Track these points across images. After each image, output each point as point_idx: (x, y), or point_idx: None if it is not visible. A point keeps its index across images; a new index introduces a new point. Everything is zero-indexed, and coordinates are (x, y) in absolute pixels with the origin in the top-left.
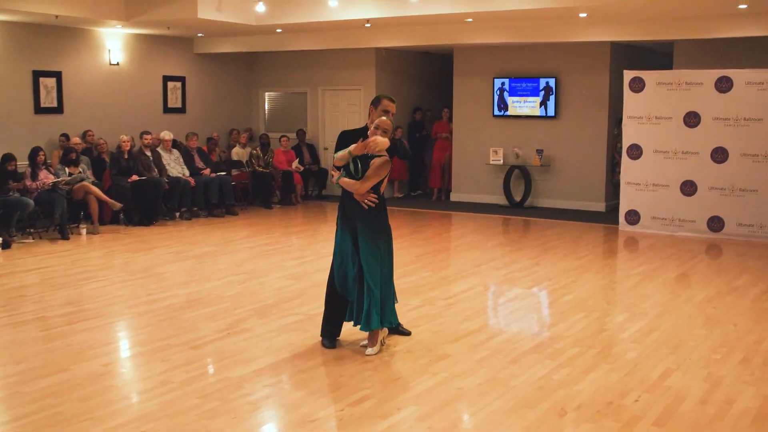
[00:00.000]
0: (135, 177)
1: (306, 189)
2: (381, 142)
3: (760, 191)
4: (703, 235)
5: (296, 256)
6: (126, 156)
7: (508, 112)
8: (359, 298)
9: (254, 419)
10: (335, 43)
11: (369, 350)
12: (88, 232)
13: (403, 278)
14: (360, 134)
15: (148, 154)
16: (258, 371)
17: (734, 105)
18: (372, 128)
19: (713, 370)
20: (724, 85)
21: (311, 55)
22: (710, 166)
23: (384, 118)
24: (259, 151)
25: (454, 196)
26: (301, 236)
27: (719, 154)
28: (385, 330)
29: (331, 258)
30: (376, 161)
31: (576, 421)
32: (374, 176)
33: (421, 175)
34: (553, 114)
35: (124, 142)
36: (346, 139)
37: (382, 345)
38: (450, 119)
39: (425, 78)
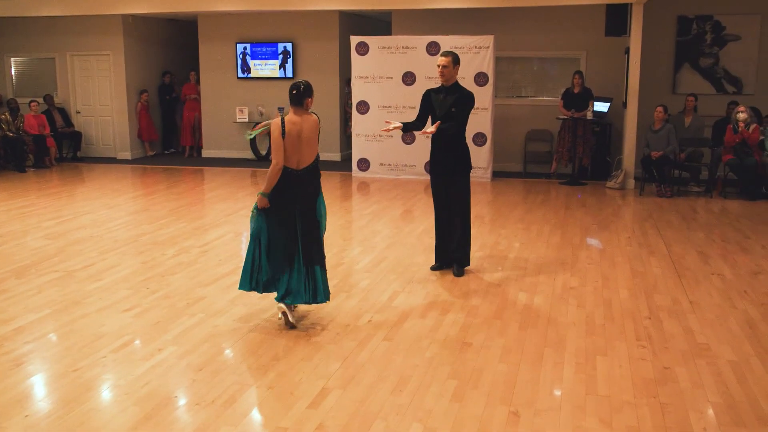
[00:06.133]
0: None
1: (60, 152)
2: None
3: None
4: (421, 177)
5: (53, 217)
6: None
7: (251, 74)
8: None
9: (17, 375)
10: (80, 9)
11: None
12: None
13: (159, 231)
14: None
15: None
16: (18, 329)
17: None
18: None
19: (431, 289)
20: (433, 49)
21: (57, 21)
22: None
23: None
24: (8, 116)
25: (206, 153)
26: (57, 197)
27: None
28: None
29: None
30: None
31: (320, 344)
32: None
33: (173, 134)
34: (291, 75)
35: None
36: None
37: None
38: (198, 81)
39: (172, 43)
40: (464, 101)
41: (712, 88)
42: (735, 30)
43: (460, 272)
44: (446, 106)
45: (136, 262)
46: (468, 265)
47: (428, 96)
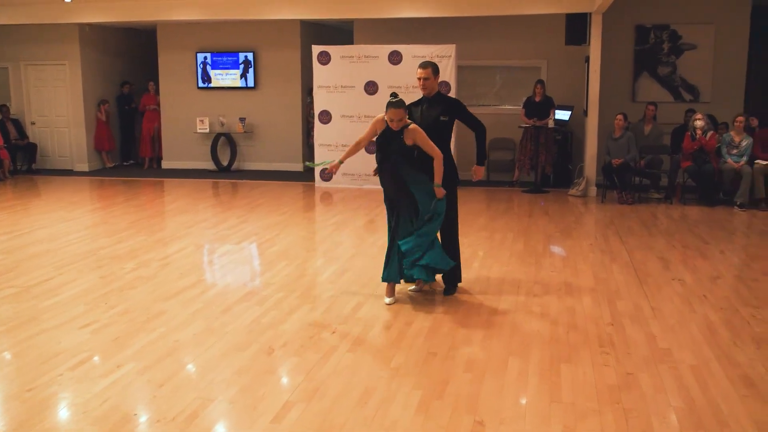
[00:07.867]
0: None
1: (14, 164)
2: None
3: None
4: None
5: (7, 231)
6: None
7: (212, 84)
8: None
9: None
10: (35, 18)
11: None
12: None
13: (118, 244)
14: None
15: None
16: None
17: (404, 75)
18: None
19: (396, 298)
20: (395, 58)
21: (10, 29)
22: None
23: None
24: None
25: (166, 164)
26: (11, 211)
27: None
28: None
29: None
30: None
31: (283, 357)
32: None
33: (132, 145)
34: (252, 85)
35: None
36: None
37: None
38: (157, 92)
39: (131, 53)
40: (456, 107)
41: (670, 96)
42: (691, 39)
43: (451, 290)
44: (433, 116)
45: (94, 276)
46: (460, 281)
47: (409, 112)
